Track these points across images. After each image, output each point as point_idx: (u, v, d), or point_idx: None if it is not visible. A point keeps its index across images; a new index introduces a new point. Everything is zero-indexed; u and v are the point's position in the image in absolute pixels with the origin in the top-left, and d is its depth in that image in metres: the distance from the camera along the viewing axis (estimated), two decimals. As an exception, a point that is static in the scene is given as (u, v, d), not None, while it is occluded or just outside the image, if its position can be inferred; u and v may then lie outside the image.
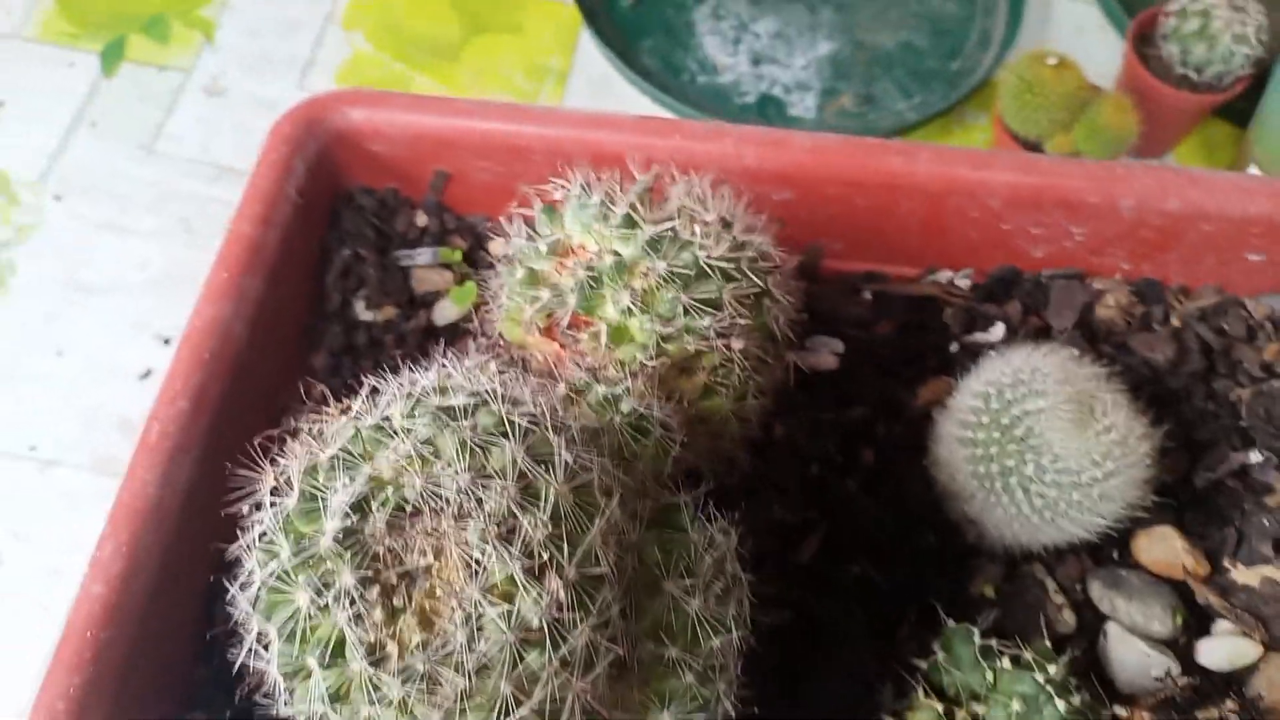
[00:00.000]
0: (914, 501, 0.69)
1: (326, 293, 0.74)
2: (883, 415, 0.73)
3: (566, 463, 0.43)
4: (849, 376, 0.75)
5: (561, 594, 0.41)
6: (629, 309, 0.58)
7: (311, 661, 0.41)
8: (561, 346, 0.61)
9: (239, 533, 0.45)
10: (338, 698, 0.41)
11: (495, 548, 0.40)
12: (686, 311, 0.58)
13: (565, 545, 0.42)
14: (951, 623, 0.62)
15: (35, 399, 0.97)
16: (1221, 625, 0.66)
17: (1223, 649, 0.65)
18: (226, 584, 0.45)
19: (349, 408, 0.47)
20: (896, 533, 0.68)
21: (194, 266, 1.05)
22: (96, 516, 0.92)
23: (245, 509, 0.46)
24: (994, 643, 0.60)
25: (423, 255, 0.76)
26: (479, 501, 0.41)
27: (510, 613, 0.40)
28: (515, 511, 0.41)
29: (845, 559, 0.67)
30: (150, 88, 1.15)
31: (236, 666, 0.47)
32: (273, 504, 0.44)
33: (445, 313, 0.76)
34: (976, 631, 0.61)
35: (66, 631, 0.53)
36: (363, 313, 0.74)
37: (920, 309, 0.79)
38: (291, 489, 0.44)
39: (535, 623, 0.40)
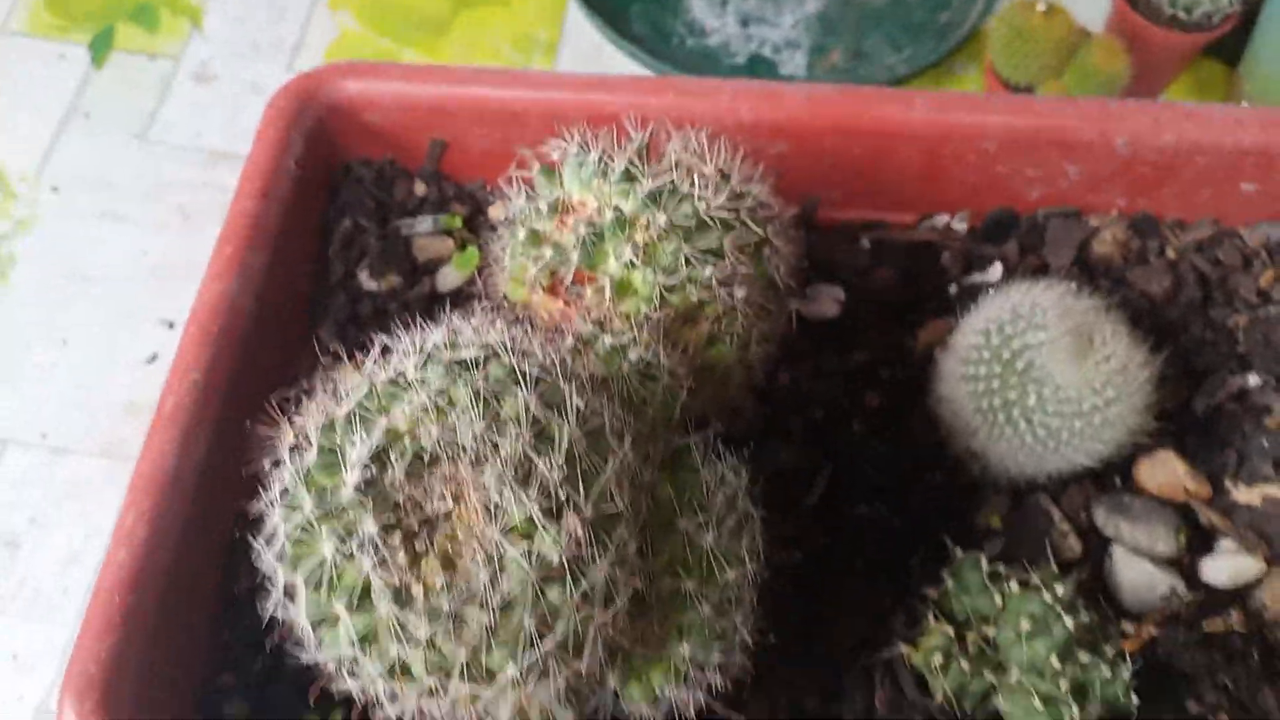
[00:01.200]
0: (919, 440, 0.70)
1: (330, 265, 0.75)
2: (885, 359, 0.74)
3: (578, 408, 0.44)
4: (851, 323, 0.76)
5: (579, 532, 0.42)
6: (631, 262, 0.58)
7: (339, 608, 0.42)
8: (566, 304, 0.62)
9: (259, 494, 0.47)
10: (367, 640, 0.42)
11: (513, 490, 0.42)
12: (688, 262, 0.58)
13: (580, 485, 0.43)
14: (960, 552, 0.63)
15: (43, 388, 0.98)
16: (1224, 544, 0.67)
17: (1226, 566, 0.66)
18: (248, 547, 0.46)
19: (362, 365, 0.48)
20: (903, 471, 0.69)
21: (193, 252, 1.05)
22: (110, 500, 0.93)
23: (265, 467, 0.47)
24: (1001, 569, 0.62)
25: (423, 223, 0.77)
26: (494, 447, 0.42)
27: (530, 551, 0.41)
28: (530, 455, 0.42)
29: (853, 499, 0.68)
30: (141, 77, 1.15)
31: (265, 622, 0.48)
32: (292, 461, 0.45)
33: (448, 279, 0.76)
34: (984, 559, 0.62)
35: (94, 598, 0.54)
36: (367, 283, 0.75)
37: (918, 254, 0.79)
38: (310, 445, 0.45)
39: (555, 560, 0.42)
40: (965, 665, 0.59)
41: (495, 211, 0.78)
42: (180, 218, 1.10)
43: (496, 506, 0.42)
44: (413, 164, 0.80)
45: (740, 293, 0.61)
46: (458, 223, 0.78)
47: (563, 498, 0.42)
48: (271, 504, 0.46)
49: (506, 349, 0.46)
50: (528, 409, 0.43)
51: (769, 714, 0.60)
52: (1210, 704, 0.61)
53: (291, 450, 0.46)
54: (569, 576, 0.42)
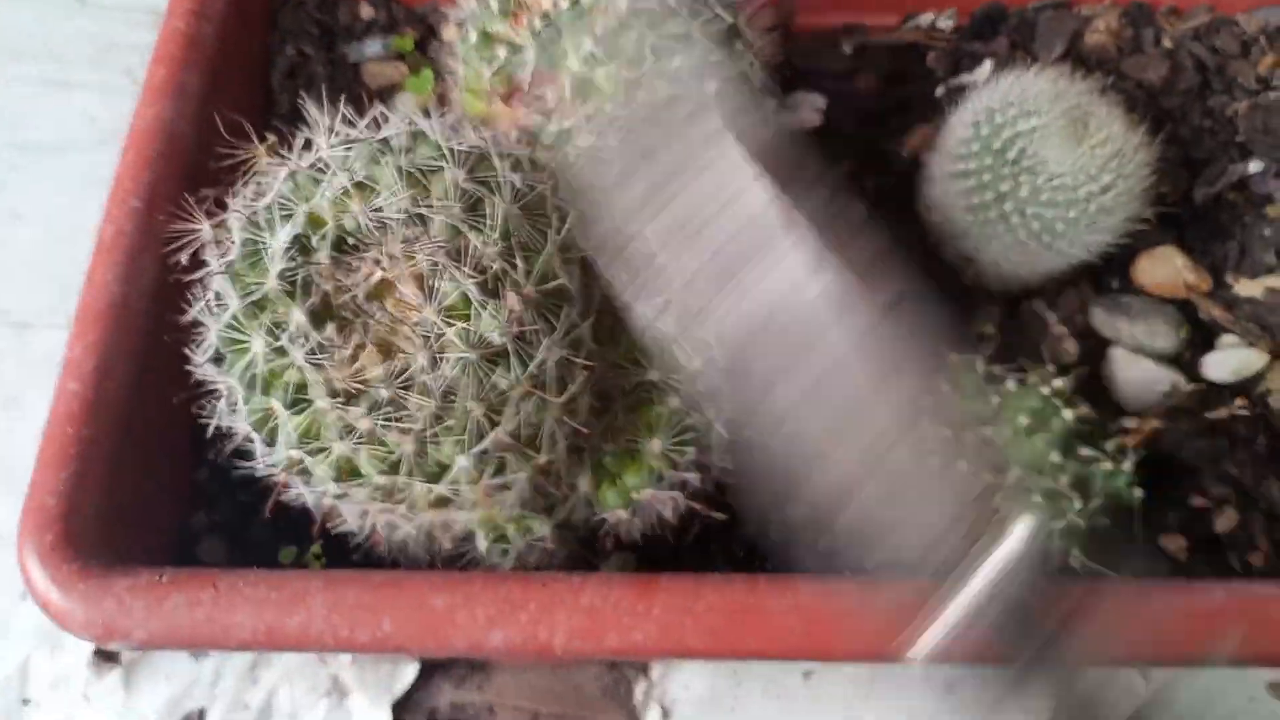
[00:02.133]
0: (909, 250, 0.67)
1: (275, 96, 0.71)
2: (870, 168, 0.70)
3: (513, 184, 0.41)
4: (833, 132, 0.72)
5: (520, 309, 0.39)
6: (592, 55, 0.54)
7: (276, 405, 0.40)
8: (527, 112, 0.58)
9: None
10: (309, 438, 0.40)
11: (446, 267, 0.39)
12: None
13: (519, 262, 0.40)
14: (954, 356, 0.60)
15: (-1, 265, 0.93)
16: (1226, 339, 0.65)
17: (1229, 361, 0.64)
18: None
19: (277, 152, 0.45)
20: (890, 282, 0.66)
21: (144, 116, 1.00)
22: (82, 375, 0.90)
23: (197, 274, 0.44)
24: (998, 369, 0.59)
25: (372, 47, 0.72)
26: (422, 222, 0.39)
27: (469, 331, 0.38)
28: (462, 229, 0.39)
29: (840, 313, 0.65)
30: (73, -65, 1.08)
31: (234, 454, 0.45)
32: (218, 259, 0.42)
33: (404, 106, 0.72)
34: (980, 360, 0.59)
35: (48, 430, 0.52)
36: (316, 115, 0.70)
37: (903, 56, 0.75)
38: (234, 243, 0.42)
39: (497, 339, 0.39)
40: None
41: (448, 32, 0.73)
42: (129, 82, 1.04)
43: (430, 286, 0.39)
44: (358, -15, 0.75)
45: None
46: (409, 45, 0.73)
47: (499, 273, 0.39)
48: (204, 309, 0.43)
49: (434, 130, 0.43)
50: (457, 185, 0.40)
51: (758, 524, 0.58)
52: (1216, 496, 0.59)
53: (217, 249, 0.43)
54: (515, 358, 0.39)
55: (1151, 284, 0.66)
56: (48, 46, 1.03)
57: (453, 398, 0.38)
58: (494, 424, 0.39)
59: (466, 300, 0.39)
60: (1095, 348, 0.65)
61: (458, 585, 0.48)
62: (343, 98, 0.47)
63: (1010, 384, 0.58)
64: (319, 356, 0.38)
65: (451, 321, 0.38)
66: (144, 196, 0.57)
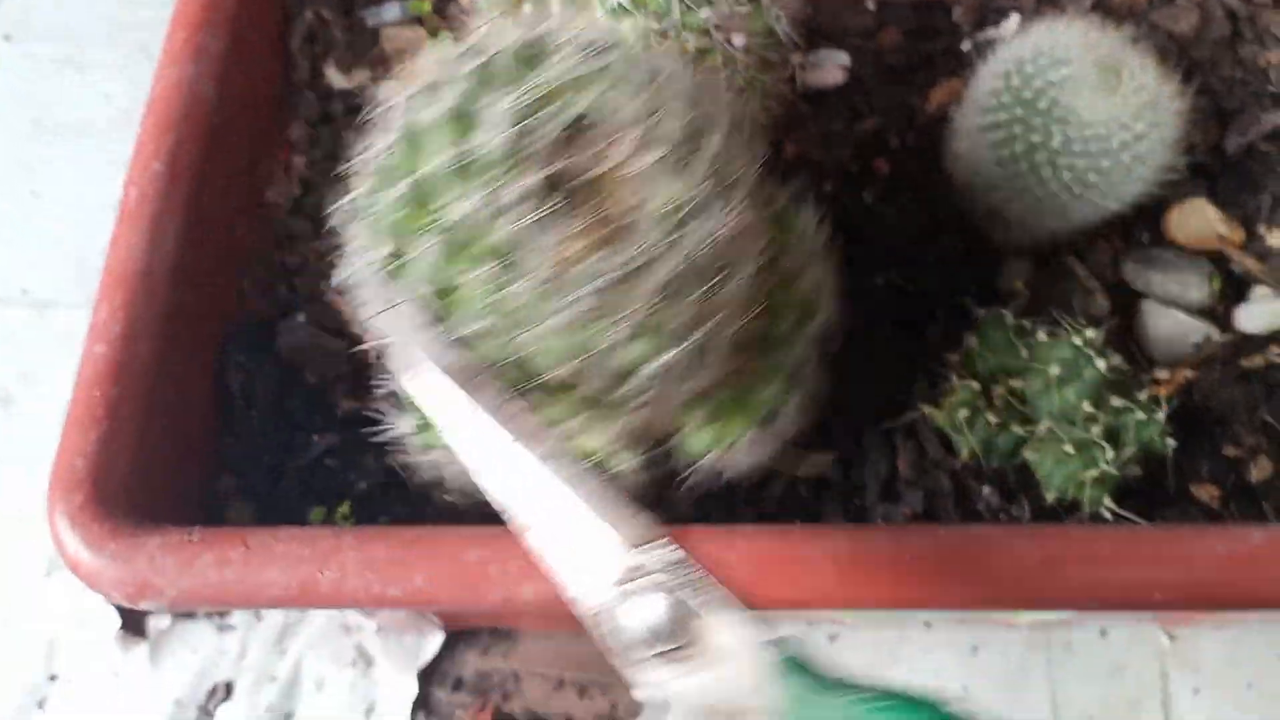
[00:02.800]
0: (935, 206, 0.66)
1: (294, 60, 0.71)
2: (895, 124, 0.70)
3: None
4: (857, 89, 0.71)
5: (736, 230, 0.39)
6: (620, 6, 0.54)
7: (480, 273, 0.38)
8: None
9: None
10: (500, 313, 0.38)
11: (674, 172, 0.38)
12: (682, 5, 0.54)
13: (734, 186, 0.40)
14: (983, 312, 0.60)
15: (18, 243, 0.94)
16: (1259, 290, 0.64)
17: (1262, 312, 0.63)
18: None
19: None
20: (919, 239, 0.66)
21: (160, 93, 1.00)
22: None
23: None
24: (1028, 322, 0.59)
25: (390, 11, 0.72)
26: (657, 123, 0.38)
27: (682, 237, 0.38)
28: (691, 142, 0.38)
29: (867, 271, 0.65)
30: (82, -89, 1.07)
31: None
32: (412, 108, 0.40)
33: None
34: (1009, 314, 0.59)
35: (75, 392, 0.52)
36: (335, 79, 0.70)
37: (928, 11, 0.74)
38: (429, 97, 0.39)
39: (725, 236, 0.38)
40: (992, 418, 0.56)
41: (466, -3, 0.73)
42: (143, 58, 1.03)
43: (663, 183, 0.38)
44: (374, -54, 0.74)
45: (739, 40, 0.56)
46: (427, 7, 0.72)
47: (730, 179, 0.39)
48: (366, 164, 0.40)
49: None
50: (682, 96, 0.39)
51: (787, 485, 0.58)
52: (1249, 446, 0.59)
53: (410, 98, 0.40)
54: (718, 277, 0.39)
55: (1183, 236, 0.66)
56: (61, 25, 1.03)
57: (670, 298, 0.38)
58: (689, 331, 0.39)
59: (694, 201, 0.38)
60: (1127, 301, 0.64)
61: (490, 539, 0.48)
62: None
63: (1041, 335, 0.58)
64: (535, 229, 0.36)
65: (679, 222, 0.37)
66: (166, 161, 0.57)
